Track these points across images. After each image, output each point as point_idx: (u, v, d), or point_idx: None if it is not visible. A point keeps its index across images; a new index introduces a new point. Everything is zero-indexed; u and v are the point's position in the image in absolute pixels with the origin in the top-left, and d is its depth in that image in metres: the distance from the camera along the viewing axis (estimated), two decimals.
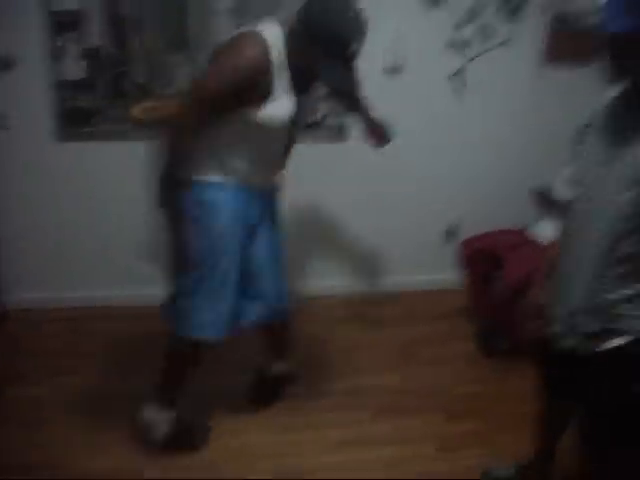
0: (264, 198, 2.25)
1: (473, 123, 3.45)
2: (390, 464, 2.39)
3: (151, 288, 3.36)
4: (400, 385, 2.83)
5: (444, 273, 3.48)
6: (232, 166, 2.08)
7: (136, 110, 3.11)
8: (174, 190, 2.02)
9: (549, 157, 3.35)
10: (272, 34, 1.92)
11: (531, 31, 3.30)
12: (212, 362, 2.38)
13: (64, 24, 2.90)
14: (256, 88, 1.91)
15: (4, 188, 3.13)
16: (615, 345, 1.64)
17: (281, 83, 1.95)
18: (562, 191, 2.42)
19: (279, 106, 1.97)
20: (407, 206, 3.51)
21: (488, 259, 3.09)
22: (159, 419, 2.36)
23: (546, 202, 3.00)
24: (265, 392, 2.71)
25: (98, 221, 3.26)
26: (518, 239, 3.10)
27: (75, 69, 2.99)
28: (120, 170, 3.15)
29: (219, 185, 2.09)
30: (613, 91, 1.68)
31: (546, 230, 2.80)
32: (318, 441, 2.49)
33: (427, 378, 2.90)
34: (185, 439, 2.43)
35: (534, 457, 2.21)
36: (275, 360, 2.68)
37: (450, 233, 3.62)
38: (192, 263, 2.12)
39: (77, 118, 3.07)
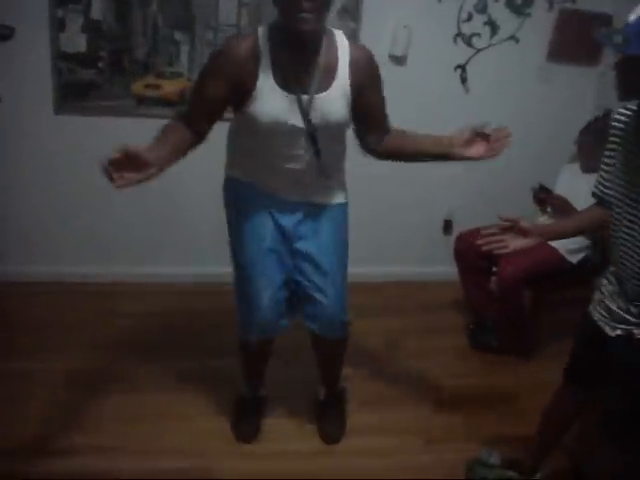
0: (301, 209, 2.11)
1: (475, 116, 3.42)
2: (376, 455, 2.38)
3: (140, 266, 3.39)
4: (387, 376, 2.82)
5: (440, 265, 3.47)
6: (245, 166, 2.10)
7: (136, 86, 3.08)
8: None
9: (550, 153, 3.38)
10: (260, 30, 1.88)
11: (537, 27, 3.30)
12: None
13: None
14: (242, 82, 1.86)
15: None
16: None
17: (266, 78, 1.85)
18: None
19: (265, 103, 1.87)
20: (404, 197, 3.50)
21: (483, 253, 3.08)
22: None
23: (544, 198, 3.00)
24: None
25: (91, 196, 3.22)
26: None
27: (76, 42, 2.96)
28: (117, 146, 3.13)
29: (237, 180, 2.13)
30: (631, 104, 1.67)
31: None
32: (300, 431, 2.49)
33: (415, 370, 2.89)
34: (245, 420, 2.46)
35: (534, 449, 2.20)
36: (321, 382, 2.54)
37: (447, 225, 3.62)
38: (233, 263, 2.21)
39: (76, 91, 3.04)
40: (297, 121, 1.89)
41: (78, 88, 3.04)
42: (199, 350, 2.89)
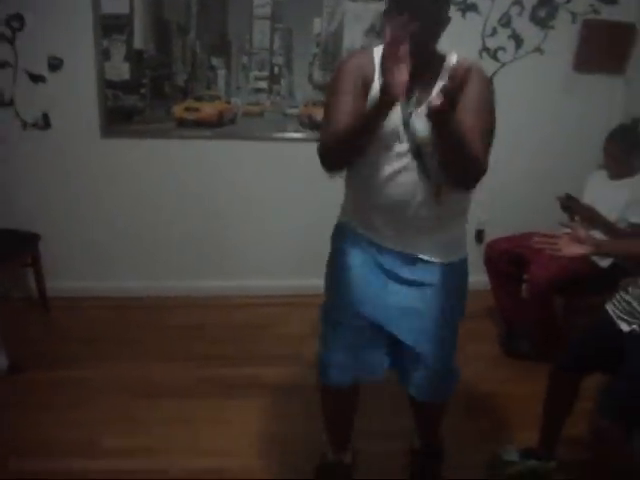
0: (404, 260, 1.89)
1: (503, 128, 3.50)
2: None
3: (189, 280, 3.55)
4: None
5: (473, 274, 3.51)
6: (351, 212, 1.97)
7: (177, 110, 3.25)
8: None
9: (578, 161, 3.43)
10: (375, 50, 1.81)
11: (562, 39, 3.37)
12: None
13: (110, 27, 3.06)
14: (366, 85, 1.76)
15: (50, 182, 3.30)
16: None
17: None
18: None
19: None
20: None
21: (513, 261, 3.14)
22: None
23: (572, 207, 3.03)
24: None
25: (138, 214, 3.42)
26: None
27: (120, 70, 3.15)
28: (160, 166, 3.32)
29: (340, 227, 2.02)
30: None
31: None
32: None
33: None
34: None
35: (539, 441, 2.29)
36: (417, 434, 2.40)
37: (479, 234, 3.68)
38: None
39: (121, 116, 3.23)
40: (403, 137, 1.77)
41: (122, 113, 3.22)
42: (242, 359, 3.02)
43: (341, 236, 1.99)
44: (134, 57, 3.13)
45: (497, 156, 3.44)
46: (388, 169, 1.78)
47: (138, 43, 3.10)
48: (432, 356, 1.96)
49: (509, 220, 3.37)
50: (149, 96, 3.20)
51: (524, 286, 3.08)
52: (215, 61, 3.20)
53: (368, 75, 1.78)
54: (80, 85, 3.14)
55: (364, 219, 1.91)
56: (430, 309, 1.92)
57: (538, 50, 3.38)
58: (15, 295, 3.42)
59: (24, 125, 3.17)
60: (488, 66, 3.37)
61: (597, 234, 2.67)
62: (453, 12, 3.24)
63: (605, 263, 2.94)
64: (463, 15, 3.27)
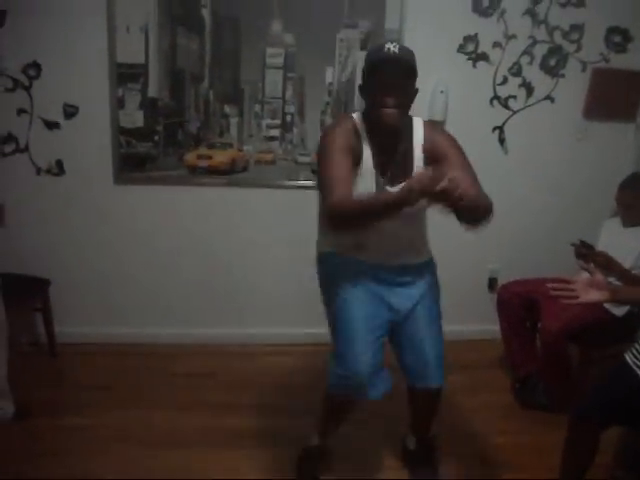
0: (388, 271, 2.19)
1: (515, 175, 3.51)
2: None
3: (198, 328, 3.53)
4: (435, 432, 2.83)
5: (485, 323, 3.48)
6: (331, 240, 2.22)
7: (189, 157, 3.28)
8: None
9: (590, 208, 3.42)
10: (356, 115, 2.10)
11: (572, 87, 3.40)
12: None
13: (125, 75, 3.12)
14: (355, 152, 2.01)
15: (62, 228, 3.32)
16: None
17: (367, 158, 2.03)
18: None
19: (364, 181, 2.02)
20: (449, 255, 3.54)
21: (526, 305, 3.10)
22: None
23: (587, 255, 3.00)
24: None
25: (149, 260, 3.42)
26: None
27: (134, 118, 3.19)
28: (172, 213, 3.33)
29: (324, 255, 2.27)
30: None
31: None
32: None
33: (463, 427, 2.89)
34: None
35: None
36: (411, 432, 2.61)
37: (492, 283, 3.65)
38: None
39: (134, 163, 3.26)
40: None
41: (135, 160, 3.25)
42: (252, 408, 2.96)
43: (330, 261, 2.24)
44: (148, 105, 3.17)
45: (510, 203, 3.50)
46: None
47: (152, 91, 3.15)
48: (432, 340, 2.24)
49: (522, 268, 3.33)
50: (162, 143, 3.24)
51: (538, 336, 3.02)
52: (228, 109, 3.24)
53: (355, 144, 2.02)
54: (94, 132, 3.18)
55: (348, 248, 2.17)
56: (426, 302, 2.24)
57: (549, 98, 3.40)
58: (23, 340, 3.40)
59: (38, 171, 3.21)
60: (499, 114, 3.41)
61: (612, 281, 2.63)
62: (464, 62, 3.29)
63: (620, 312, 2.89)
64: (474, 65, 3.31)
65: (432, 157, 2.06)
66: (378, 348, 2.16)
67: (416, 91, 2.01)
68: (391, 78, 1.93)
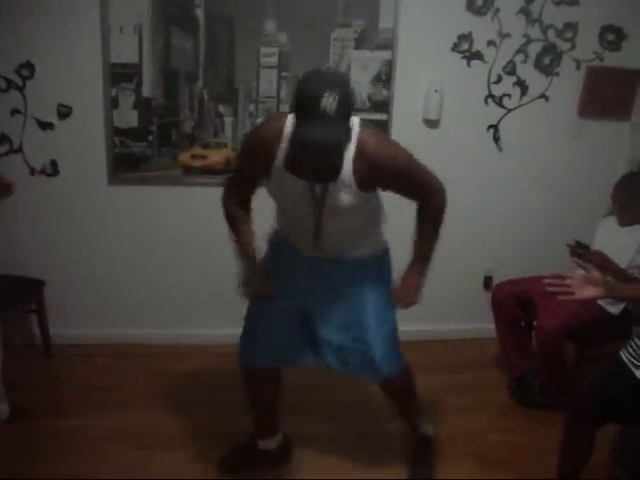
0: (318, 262, 2.20)
1: (510, 173, 3.52)
2: None
3: (196, 328, 3.51)
4: (431, 431, 2.83)
5: (481, 322, 3.48)
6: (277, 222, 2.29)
7: (183, 157, 3.27)
8: None
9: (585, 207, 3.43)
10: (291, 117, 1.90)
11: (566, 85, 3.40)
12: None
13: (119, 75, 3.11)
14: (265, 160, 1.97)
15: (56, 228, 3.30)
16: None
17: (280, 161, 1.95)
18: None
19: (278, 184, 2.01)
20: (444, 254, 3.54)
21: (521, 304, 3.10)
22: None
23: (582, 254, 3.00)
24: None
25: (144, 261, 3.41)
26: None
27: (128, 118, 3.18)
28: (166, 213, 3.32)
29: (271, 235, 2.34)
30: None
31: None
32: None
33: (458, 426, 2.89)
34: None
35: None
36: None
37: (488, 282, 3.65)
38: None
39: (128, 163, 3.24)
40: (309, 206, 2.01)
41: (129, 160, 3.24)
42: (237, 409, 2.95)
43: (275, 238, 2.32)
44: (142, 105, 3.16)
45: (505, 201, 3.50)
46: (287, 204, 2.13)
47: (146, 91, 3.14)
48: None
49: (517, 267, 3.34)
50: (156, 143, 3.23)
51: (534, 334, 3.02)
52: (222, 109, 3.23)
53: (275, 144, 1.94)
54: (88, 132, 3.17)
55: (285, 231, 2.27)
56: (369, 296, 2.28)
57: (543, 97, 3.40)
58: (18, 341, 3.39)
59: (32, 171, 3.19)
60: (494, 113, 3.41)
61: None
62: (459, 60, 3.29)
63: (616, 310, 2.90)
64: (468, 63, 3.30)
65: (363, 175, 1.93)
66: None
67: (350, 130, 1.87)
68: (315, 163, 1.85)
